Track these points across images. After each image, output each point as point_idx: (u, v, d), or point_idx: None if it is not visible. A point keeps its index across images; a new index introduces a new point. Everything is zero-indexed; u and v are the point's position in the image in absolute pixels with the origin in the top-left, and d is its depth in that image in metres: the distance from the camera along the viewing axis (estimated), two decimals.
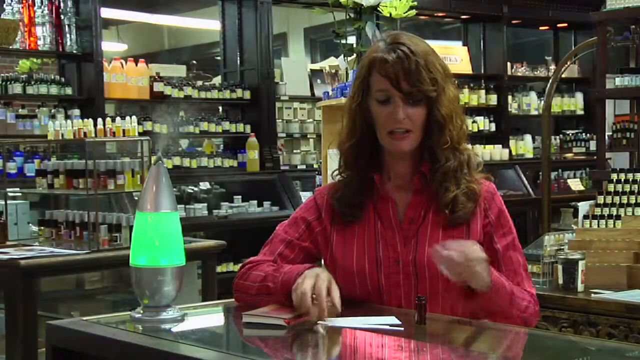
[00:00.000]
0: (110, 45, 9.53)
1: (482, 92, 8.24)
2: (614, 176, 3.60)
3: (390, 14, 4.00)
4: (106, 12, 6.82)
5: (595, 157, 6.11)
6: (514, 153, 8.39)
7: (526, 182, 8.09)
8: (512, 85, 8.68)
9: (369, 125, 2.16)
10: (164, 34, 10.91)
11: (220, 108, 7.56)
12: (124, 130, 4.34)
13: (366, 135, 2.17)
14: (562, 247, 3.42)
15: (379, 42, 2.17)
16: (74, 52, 6.24)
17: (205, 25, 9.24)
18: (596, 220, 3.46)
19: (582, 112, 8.98)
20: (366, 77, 2.15)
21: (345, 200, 2.20)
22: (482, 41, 8.51)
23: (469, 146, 2.20)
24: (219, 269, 5.91)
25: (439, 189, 2.12)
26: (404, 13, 4.00)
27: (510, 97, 8.48)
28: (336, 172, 2.26)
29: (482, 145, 8.04)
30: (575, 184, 8.31)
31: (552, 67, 8.69)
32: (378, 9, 4.07)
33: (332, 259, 2.21)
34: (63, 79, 6.28)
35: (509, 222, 2.21)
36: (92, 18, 6.20)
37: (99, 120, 4.36)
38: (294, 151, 7.50)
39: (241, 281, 2.18)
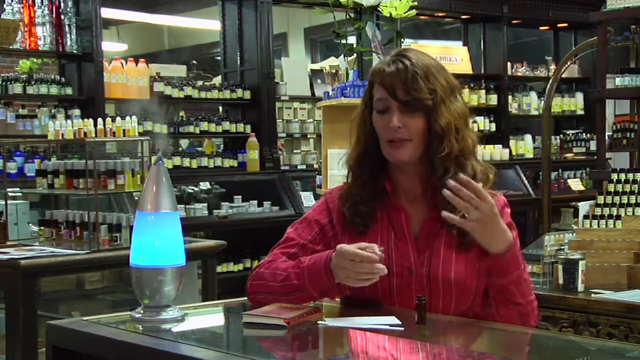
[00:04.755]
0: (111, 45, 9.53)
1: (482, 92, 8.23)
2: (614, 176, 3.60)
3: (390, 14, 4.01)
4: (106, 12, 6.81)
5: (595, 157, 6.11)
6: (514, 153, 8.38)
7: (526, 182, 8.08)
8: (512, 85, 8.67)
9: (373, 137, 2.17)
10: (164, 34, 10.90)
11: (221, 108, 7.56)
12: (124, 130, 4.34)
13: (371, 147, 2.17)
14: (562, 247, 3.41)
15: (386, 56, 2.20)
16: (74, 52, 6.23)
17: (205, 25, 9.24)
18: (596, 220, 3.45)
19: (582, 112, 8.97)
20: (369, 89, 2.17)
21: (356, 209, 2.18)
22: (482, 41, 8.50)
23: (478, 161, 2.17)
24: (219, 269, 5.91)
25: (446, 206, 2.08)
26: (404, 13, 4.00)
27: (510, 97, 8.47)
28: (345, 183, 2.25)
29: (482, 146, 8.03)
30: (576, 184, 8.31)
31: (552, 67, 8.68)
32: (378, 9, 4.07)
33: None
34: (63, 79, 6.27)
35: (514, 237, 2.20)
36: (92, 18, 6.20)
37: (99, 120, 4.35)
38: (294, 151, 7.50)
39: (257, 282, 2.15)
